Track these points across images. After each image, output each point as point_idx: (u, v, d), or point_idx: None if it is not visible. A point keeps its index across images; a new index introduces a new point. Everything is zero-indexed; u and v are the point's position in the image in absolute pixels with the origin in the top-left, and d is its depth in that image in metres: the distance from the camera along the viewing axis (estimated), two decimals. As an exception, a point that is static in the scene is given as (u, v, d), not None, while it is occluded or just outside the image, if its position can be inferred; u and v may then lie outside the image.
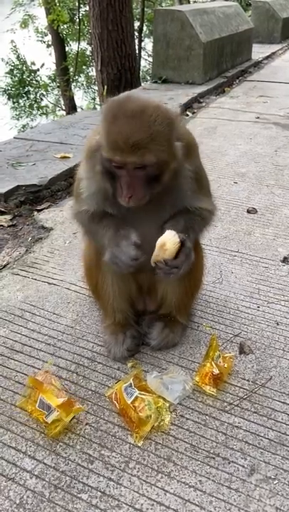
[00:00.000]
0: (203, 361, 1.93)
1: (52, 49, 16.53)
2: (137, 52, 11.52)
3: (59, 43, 16.10)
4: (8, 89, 16.85)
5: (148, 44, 15.97)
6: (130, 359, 2.02)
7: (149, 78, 12.12)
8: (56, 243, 3.00)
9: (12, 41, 16.40)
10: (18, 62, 17.07)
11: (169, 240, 1.70)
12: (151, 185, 1.66)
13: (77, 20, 14.73)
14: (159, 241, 1.70)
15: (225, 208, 3.42)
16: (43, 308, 2.36)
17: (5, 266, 2.77)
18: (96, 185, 1.79)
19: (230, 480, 1.54)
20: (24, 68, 17.06)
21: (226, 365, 1.91)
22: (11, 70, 16.96)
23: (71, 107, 15.22)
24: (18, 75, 16.99)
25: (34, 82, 17.18)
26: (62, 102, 16.77)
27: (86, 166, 1.82)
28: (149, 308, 2.17)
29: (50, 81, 17.22)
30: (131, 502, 1.48)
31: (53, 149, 4.50)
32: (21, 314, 2.32)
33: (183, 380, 1.85)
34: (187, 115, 5.85)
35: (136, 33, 11.99)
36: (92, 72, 15.47)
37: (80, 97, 17.13)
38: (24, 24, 15.86)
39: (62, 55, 16.05)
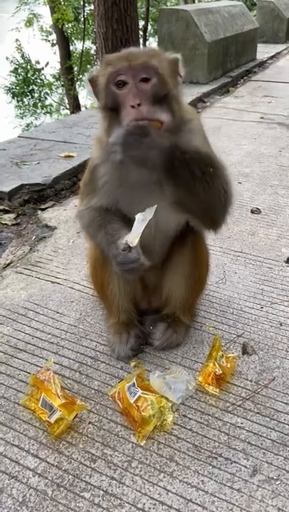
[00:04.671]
0: (206, 361, 1.93)
1: (56, 48, 16.54)
2: (142, 51, 11.47)
3: (64, 42, 16.10)
4: (12, 88, 16.87)
5: (153, 43, 15.97)
6: (133, 358, 2.02)
7: (153, 77, 12.08)
8: (60, 242, 3.00)
9: (17, 40, 16.42)
10: (22, 61, 17.09)
11: None
12: (157, 106, 1.61)
13: (82, 19, 14.72)
14: None
15: (229, 208, 3.41)
16: (47, 307, 2.37)
17: (9, 264, 2.77)
18: (110, 166, 1.76)
19: (232, 480, 1.54)
20: (29, 67, 17.07)
21: (228, 366, 1.91)
22: (16, 69, 16.97)
23: (75, 106, 15.22)
24: (22, 73, 17.01)
25: (38, 80, 17.19)
26: (66, 101, 16.78)
27: (98, 152, 1.81)
28: (154, 305, 2.17)
29: (54, 80, 17.23)
30: (133, 501, 1.48)
31: (57, 148, 4.51)
32: (25, 313, 2.33)
33: (186, 380, 1.85)
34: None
35: (141, 33, 11.99)
36: (97, 71, 15.44)
37: (85, 96, 17.09)
38: (29, 23, 15.84)
39: (66, 54, 16.07)
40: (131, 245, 1.63)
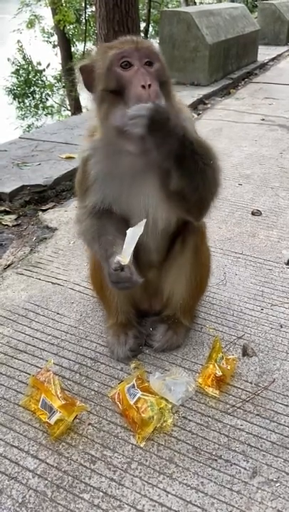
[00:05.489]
0: (206, 363, 1.93)
1: (58, 49, 16.59)
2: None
3: (65, 44, 16.15)
4: (13, 89, 16.91)
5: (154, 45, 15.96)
6: (133, 360, 2.02)
7: (154, 79, 12.09)
8: (60, 243, 3.00)
9: (18, 41, 16.47)
10: (24, 62, 17.14)
11: None
12: (160, 90, 1.59)
13: (84, 20, 14.76)
14: None
15: (229, 209, 3.42)
16: (47, 308, 2.37)
17: (9, 265, 2.78)
18: (100, 156, 1.75)
19: (232, 482, 1.54)
20: (30, 68, 17.12)
21: (228, 367, 1.90)
22: (17, 70, 17.03)
23: (76, 108, 15.25)
24: (23, 74, 17.06)
25: (40, 82, 17.24)
26: (67, 102, 16.83)
27: (89, 143, 1.79)
28: (155, 308, 2.17)
29: (55, 81, 17.28)
30: (133, 503, 1.48)
31: (58, 149, 4.51)
32: (25, 314, 2.33)
33: (186, 382, 1.85)
34: (192, 116, 5.85)
35: (142, 34, 12.01)
36: (98, 72, 15.47)
37: (86, 98, 17.14)
38: (30, 24, 15.90)
39: (68, 56, 16.11)
40: (123, 264, 1.64)
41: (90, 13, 14.31)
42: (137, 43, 1.61)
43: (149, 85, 1.52)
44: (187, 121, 1.78)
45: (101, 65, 1.62)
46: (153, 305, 2.16)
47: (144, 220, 1.67)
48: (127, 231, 1.67)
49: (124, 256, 1.64)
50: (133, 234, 1.66)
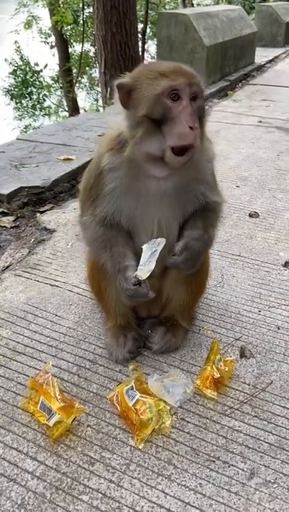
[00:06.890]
0: (204, 365, 1.94)
1: (55, 50, 16.60)
2: (141, 54, 11.55)
3: (62, 44, 16.17)
4: (11, 90, 16.92)
5: (151, 46, 16.04)
6: (132, 362, 2.03)
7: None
8: (59, 245, 3.01)
9: (16, 42, 16.48)
10: (21, 63, 17.16)
11: None
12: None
13: (81, 21, 14.78)
14: None
15: (227, 211, 3.42)
16: (46, 310, 2.37)
17: (8, 267, 2.78)
18: (122, 172, 1.75)
19: (230, 483, 1.55)
20: (27, 69, 17.14)
21: (226, 369, 1.92)
22: (15, 71, 17.04)
23: (74, 108, 15.27)
24: (21, 75, 17.07)
25: (37, 82, 17.27)
26: (65, 103, 16.83)
27: (110, 157, 1.76)
28: (154, 312, 2.18)
29: (53, 82, 17.30)
30: (131, 504, 1.49)
31: (56, 151, 4.51)
32: (24, 316, 2.34)
33: (184, 384, 1.86)
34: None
35: (139, 36, 12.02)
36: (96, 73, 15.54)
37: (83, 99, 17.20)
38: (28, 25, 15.91)
39: (65, 56, 16.13)
40: (140, 279, 1.71)
41: (87, 14, 14.32)
42: (191, 77, 1.61)
43: (196, 127, 1.57)
44: (208, 162, 1.89)
45: (148, 90, 1.59)
46: (152, 310, 2.17)
47: (164, 240, 1.75)
48: (143, 246, 1.74)
49: (144, 272, 1.72)
50: (152, 250, 1.73)
